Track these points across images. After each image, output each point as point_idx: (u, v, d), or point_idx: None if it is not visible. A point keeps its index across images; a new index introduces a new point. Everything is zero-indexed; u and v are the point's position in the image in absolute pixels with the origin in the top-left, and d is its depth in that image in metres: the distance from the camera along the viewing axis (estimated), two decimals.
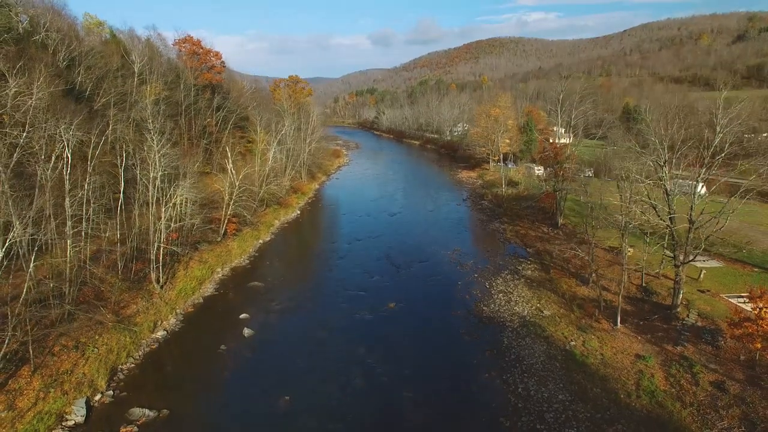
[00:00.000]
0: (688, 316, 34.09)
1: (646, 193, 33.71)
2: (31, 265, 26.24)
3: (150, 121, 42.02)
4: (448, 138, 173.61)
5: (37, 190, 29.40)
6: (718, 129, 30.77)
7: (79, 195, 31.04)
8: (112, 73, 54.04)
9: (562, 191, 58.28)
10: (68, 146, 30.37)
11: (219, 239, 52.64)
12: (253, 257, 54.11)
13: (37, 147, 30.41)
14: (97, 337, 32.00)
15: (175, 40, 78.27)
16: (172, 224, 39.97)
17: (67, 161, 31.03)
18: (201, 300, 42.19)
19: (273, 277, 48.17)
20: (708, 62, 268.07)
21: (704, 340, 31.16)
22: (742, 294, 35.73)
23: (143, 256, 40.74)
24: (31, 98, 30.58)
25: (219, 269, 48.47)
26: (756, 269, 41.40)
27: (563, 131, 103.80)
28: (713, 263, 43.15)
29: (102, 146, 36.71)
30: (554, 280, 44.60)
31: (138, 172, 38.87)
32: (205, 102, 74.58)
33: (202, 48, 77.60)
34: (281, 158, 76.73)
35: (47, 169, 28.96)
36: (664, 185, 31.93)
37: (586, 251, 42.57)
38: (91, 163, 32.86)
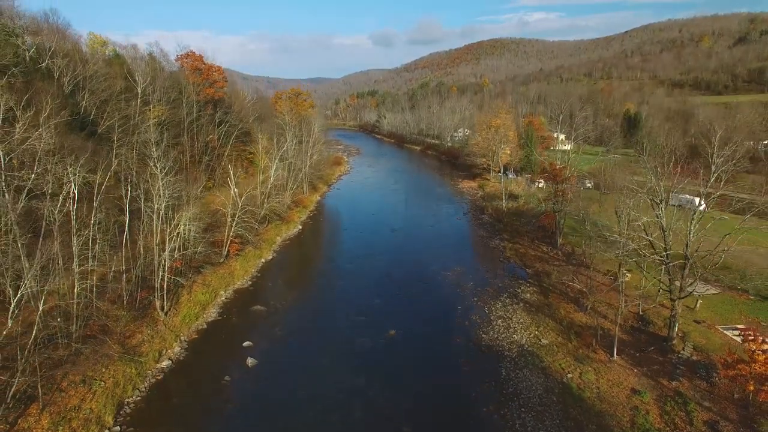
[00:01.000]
0: (683, 349, 34.64)
1: (643, 229, 34.26)
2: (41, 307, 26.82)
3: (153, 148, 42.56)
4: (449, 144, 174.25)
5: (43, 230, 29.98)
6: (713, 168, 31.31)
7: (86, 233, 31.67)
8: (115, 95, 54.63)
9: (561, 212, 58.78)
10: (75, 184, 31.00)
11: (222, 260, 53.23)
12: (256, 278, 54.65)
13: (45, 188, 31.04)
14: (103, 369, 32.58)
15: (177, 55, 79.09)
16: (176, 254, 40.56)
17: (74, 199, 31.65)
18: (205, 326, 42.76)
19: (275, 300, 48.70)
20: (709, 65, 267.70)
21: (699, 375, 31.69)
22: (738, 326, 36.33)
23: (147, 284, 41.34)
24: (39, 141, 31.21)
25: (222, 292, 49.07)
26: (752, 297, 41.92)
27: (563, 137, 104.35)
28: (710, 289, 43.65)
29: (107, 178, 37.29)
30: (552, 306, 45.13)
31: (141, 203, 39.44)
32: (207, 117, 75.21)
33: (204, 63, 78.24)
34: (283, 173, 77.26)
35: (54, 210, 29.59)
36: (661, 222, 32.47)
37: (583, 281, 43.10)
38: (97, 198, 33.48)
